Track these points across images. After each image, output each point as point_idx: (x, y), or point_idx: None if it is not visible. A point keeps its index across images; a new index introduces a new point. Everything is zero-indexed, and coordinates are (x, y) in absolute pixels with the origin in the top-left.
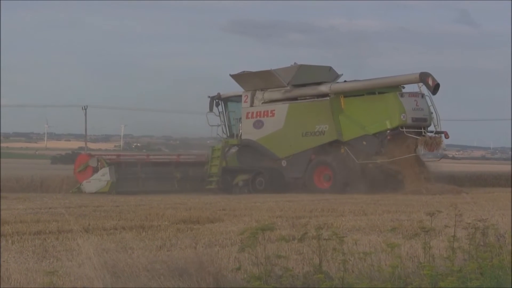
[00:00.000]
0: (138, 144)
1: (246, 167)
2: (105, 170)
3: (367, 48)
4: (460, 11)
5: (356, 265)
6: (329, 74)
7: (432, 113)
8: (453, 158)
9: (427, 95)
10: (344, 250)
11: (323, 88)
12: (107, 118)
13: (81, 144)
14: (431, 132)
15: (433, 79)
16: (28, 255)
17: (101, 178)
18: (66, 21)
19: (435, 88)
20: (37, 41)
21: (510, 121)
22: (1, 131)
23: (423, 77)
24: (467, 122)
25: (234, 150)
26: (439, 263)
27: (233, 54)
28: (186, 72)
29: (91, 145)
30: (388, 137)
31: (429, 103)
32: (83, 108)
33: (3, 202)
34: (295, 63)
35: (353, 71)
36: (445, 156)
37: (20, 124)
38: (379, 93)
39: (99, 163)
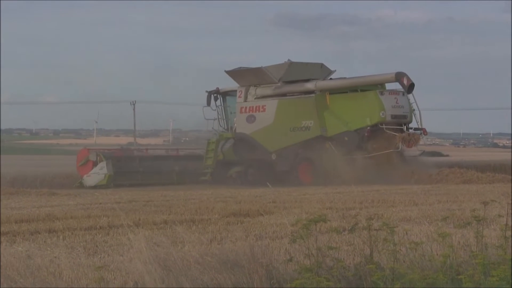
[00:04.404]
0: (187, 139)
1: (239, 160)
2: (103, 164)
3: (414, 40)
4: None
5: (407, 255)
6: (321, 71)
7: (414, 110)
8: (504, 147)
9: (407, 93)
10: (395, 240)
11: (309, 85)
12: (156, 113)
13: (130, 139)
14: (411, 128)
15: (408, 79)
16: (79, 250)
17: (99, 172)
18: (115, 18)
19: (409, 88)
20: (87, 39)
21: None
22: (52, 128)
23: (398, 77)
24: None
25: (230, 143)
26: (491, 252)
27: (279, 48)
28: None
29: (140, 141)
30: (366, 134)
31: (412, 100)
32: (132, 103)
33: (53, 198)
34: (288, 59)
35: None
36: (423, 153)
37: (70, 121)
38: (361, 90)
39: (98, 158)
